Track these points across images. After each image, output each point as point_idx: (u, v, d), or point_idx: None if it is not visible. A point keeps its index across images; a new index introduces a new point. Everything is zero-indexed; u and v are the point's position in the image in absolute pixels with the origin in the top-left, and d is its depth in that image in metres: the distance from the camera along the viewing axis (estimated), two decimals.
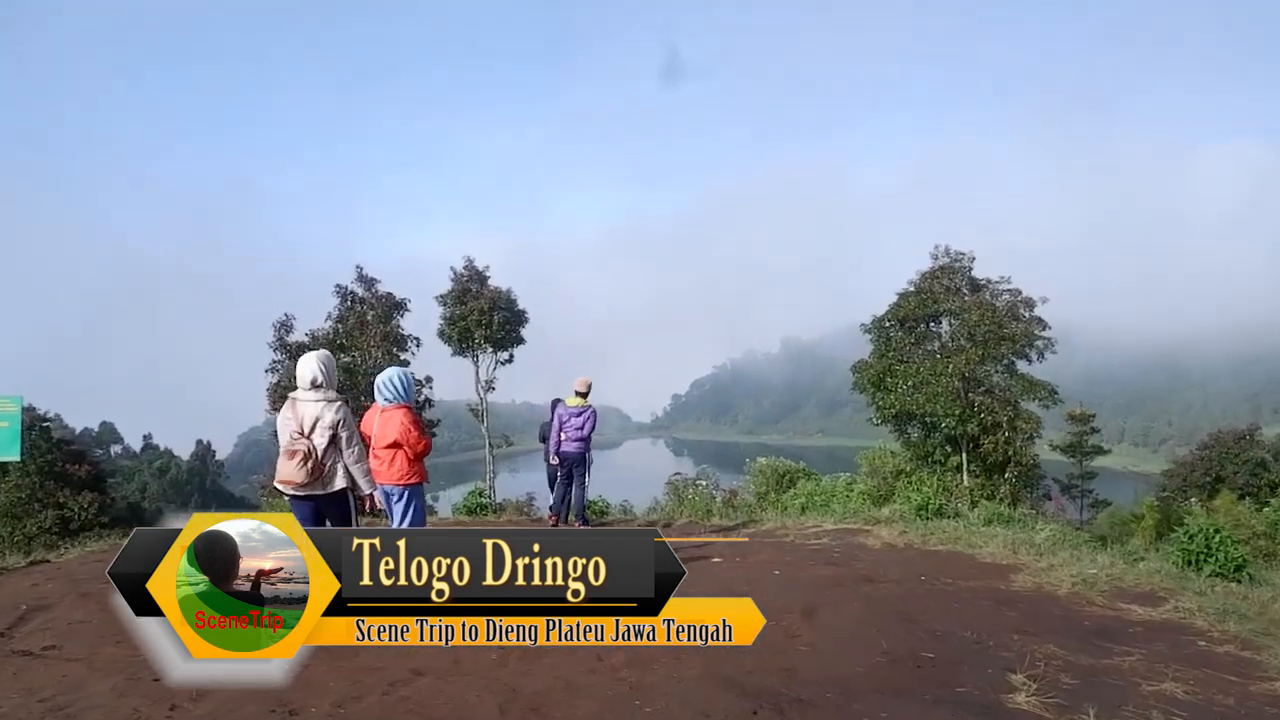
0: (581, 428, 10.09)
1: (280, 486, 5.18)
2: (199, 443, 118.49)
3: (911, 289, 19.38)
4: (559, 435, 10.19)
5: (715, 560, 7.87)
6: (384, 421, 5.96)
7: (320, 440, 5.09)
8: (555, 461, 10.30)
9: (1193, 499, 24.95)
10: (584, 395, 10.26)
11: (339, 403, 5.25)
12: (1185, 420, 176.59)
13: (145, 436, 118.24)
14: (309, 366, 5.24)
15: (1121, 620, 5.74)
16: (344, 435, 5.20)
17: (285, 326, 19.84)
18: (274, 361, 19.63)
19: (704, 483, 18.41)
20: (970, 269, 19.17)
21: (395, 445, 5.91)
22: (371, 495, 5.50)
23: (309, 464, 5.04)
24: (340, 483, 5.21)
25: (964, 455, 18.13)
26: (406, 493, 6.03)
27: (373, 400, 6.06)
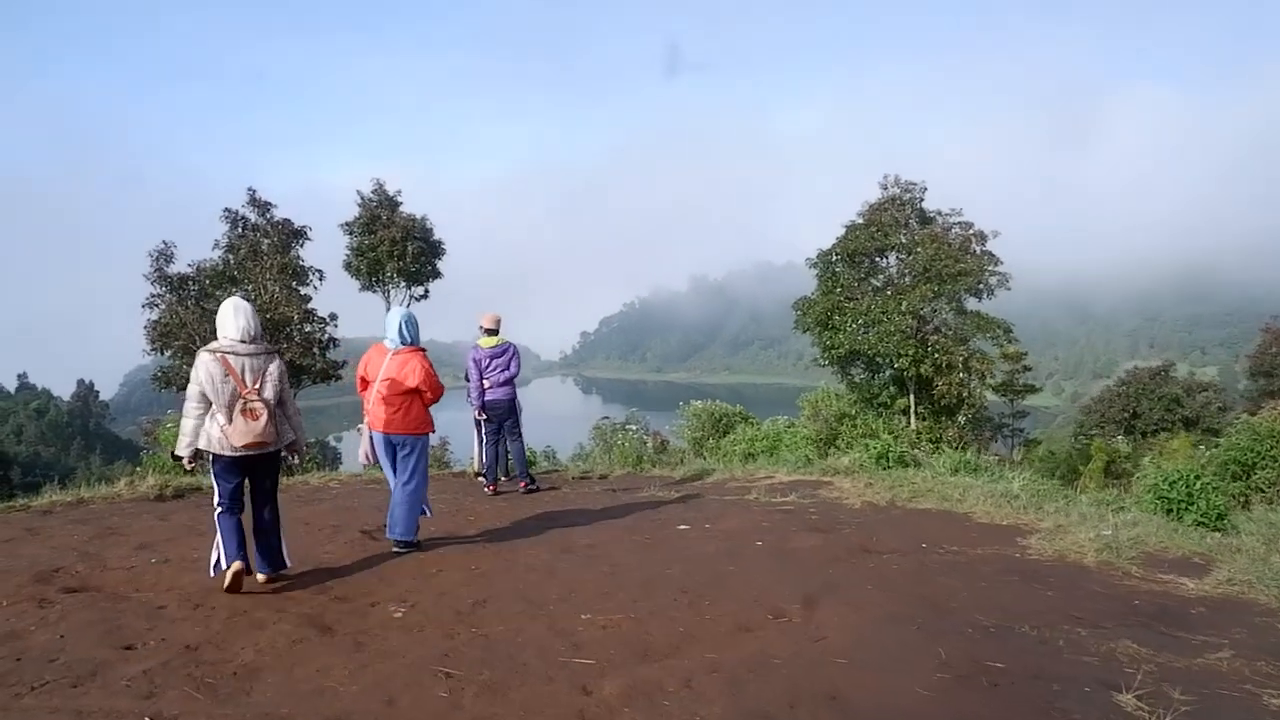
0: (507, 367, 8.76)
1: (234, 452, 4.77)
2: (80, 382, 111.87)
3: (860, 221, 18.37)
4: (480, 383, 8.81)
5: (682, 528, 6.79)
6: (398, 365, 5.72)
7: (271, 394, 4.84)
8: (481, 416, 8.92)
9: (1119, 436, 25.48)
10: (495, 332, 8.87)
11: (277, 354, 5.04)
12: (1084, 357, 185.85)
13: (20, 375, 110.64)
14: (243, 317, 4.87)
15: (1175, 598, 4.93)
16: (285, 388, 5.02)
17: (165, 256, 17.53)
18: (152, 295, 17.39)
19: (634, 427, 17.43)
20: (922, 200, 18.27)
21: (413, 391, 5.71)
22: (303, 446, 5.26)
23: (273, 421, 4.81)
24: (289, 436, 5.04)
25: (912, 397, 17.53)
26: (420, 443, 5.89)
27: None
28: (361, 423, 6.20)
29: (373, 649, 3.98)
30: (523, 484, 8.99)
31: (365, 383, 5.92)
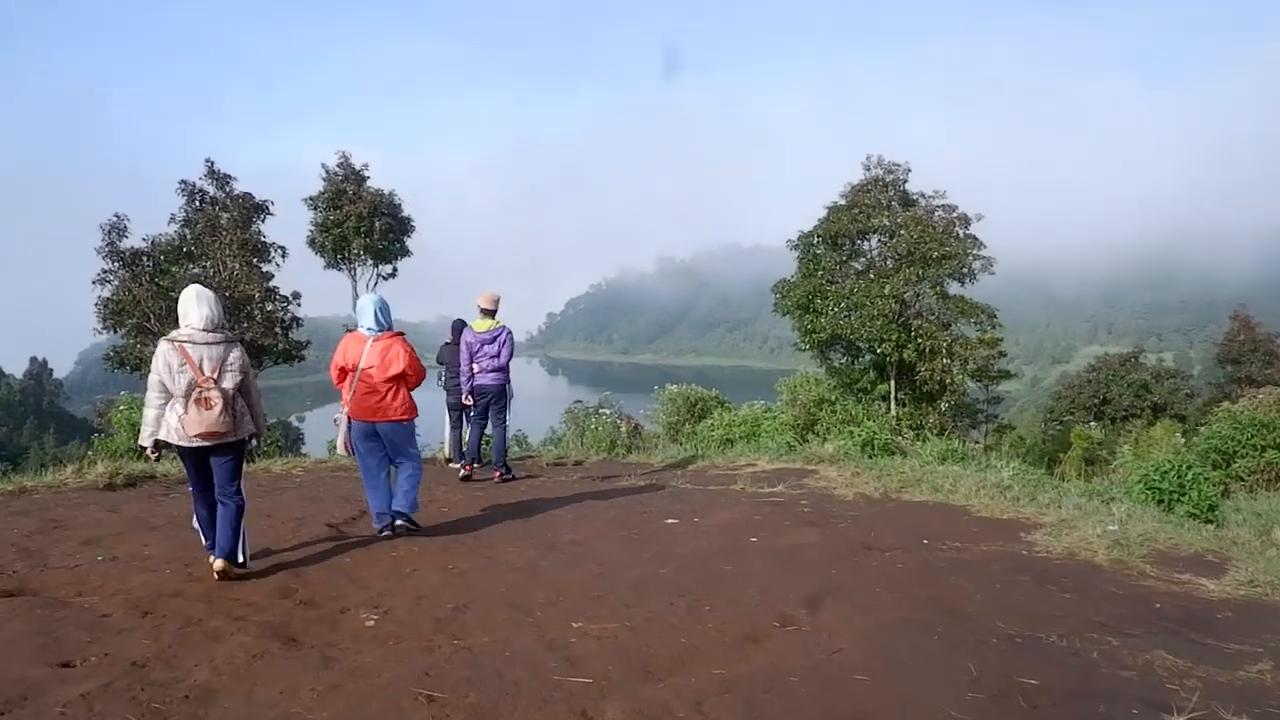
0: (498, 354, 8.35)
1: (189, 442, 4.70)
2: (33, 360, 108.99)
3: (843, 203, 18.02)
4: (470, 367, 8.38)
5: (670, 521, 6.45)
6: (380, 351, 5.64)
7: (231, 384, 4.77)
8: (469, 401, 8.49)
9: (1091, 423, 25.59)
10: (492, 313, 8.46)
11: (238, 342, 4.98)
12: (1044, 341, 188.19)
13: None
14: (206, 305, 4.82)
15: (1197, 601, 4.70)
16: (248, 376, 4.93)
17: (117, 230, 16.65)
18: (104, 271, 16.55)
19: (607, 411, 17.04)
20: (905, 182, 17.97)
21: (399, 377, 5.66)
22: (262, 437, 5.31)
23: (229, 411, 4.70)
24: (250, 426, 4.94)
25: (893, 383, 17.31)
26: (409, 430, 5.87)
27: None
28: (338, 412, 5.99)
29: (344, 665, 3.59)
30: (497, 473, 8.60)
31: (344, 372, 5.77)
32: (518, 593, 4.63)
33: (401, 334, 5.84)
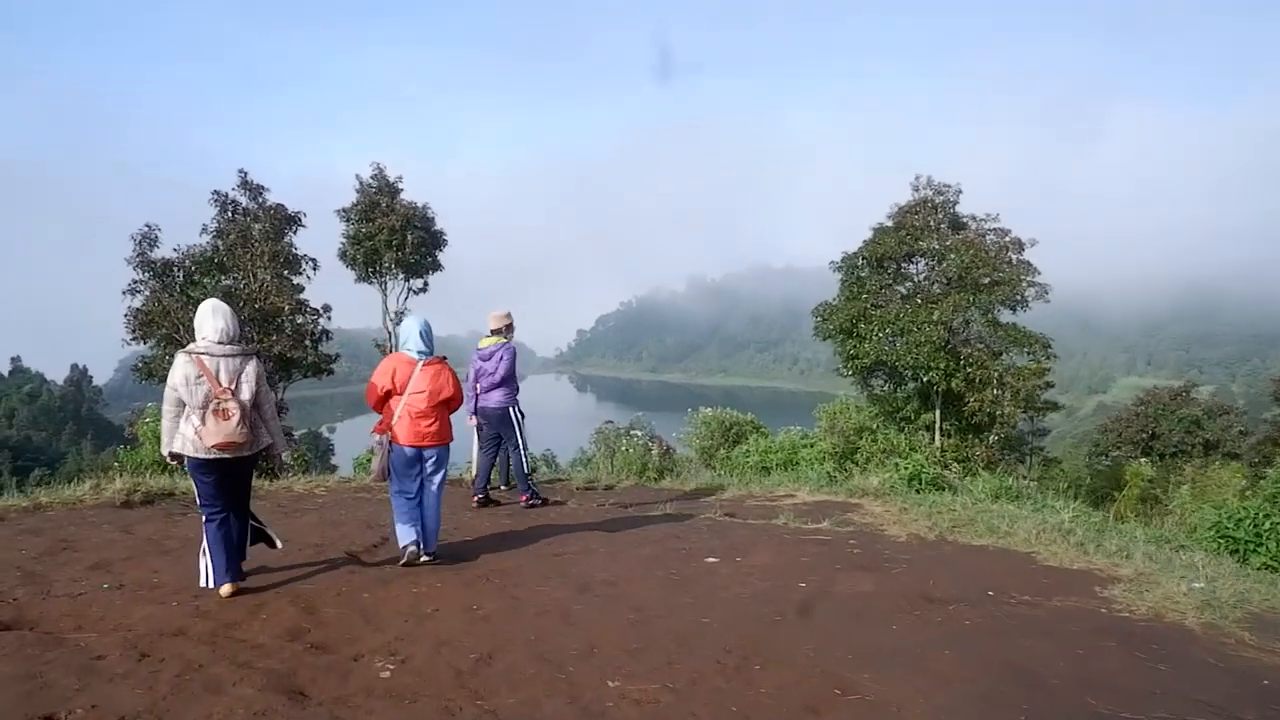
0: (494, 372, 7.97)
1: (207, 454, 4.72)
2: (74, 367, 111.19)
3: (890, 224, 17.49)
4: (474, 389, 8.04)
5: (711, 560, 6.02)
6: (431, 376, 5.66)
7: (247, 396, 4.81)
8: (473, 422, 8.19)
9: (1141, 459, 24.71)
10: (498, 332, 8.10)
11: (255, 355, 5.02)
12: (1080, 370, 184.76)
13: (13, 358, 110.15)
14: (221, 318, 4.88)
15: None
16: (263, 390, 4.93)
17: (148, 240, 16.62)
18: (134, 282, 16.48)
19: (638, 433, 16.63)
20: (955, 204, 17.41)
21: (447, 402, 5.72)
22: (280, 451, 5.23)
23: (247, 423, 4.74)
24: (266, 439, 4.98)
25: (938, 413, 16.69)
26: (447, 453, 5.87)
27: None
28: (379, 437, 5.81)
29: None
30: (524, 497, 8.23)
31: (388, 394, 5.69)
32: (548, 642, 4.24)
33: (445, 358, 5.88)
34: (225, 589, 4.81)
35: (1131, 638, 4.59)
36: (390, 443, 5.69)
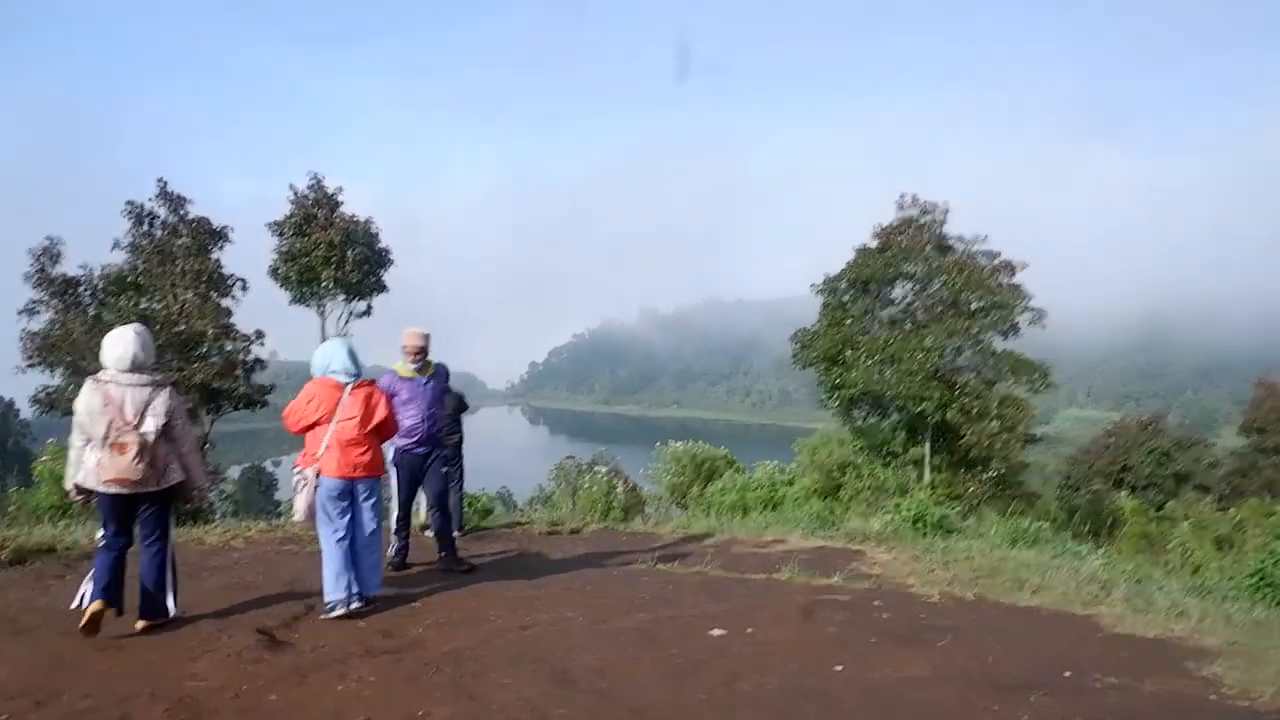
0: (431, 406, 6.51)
1: (104, 488, 4.54)
2: None
3: (875, 245, 16.68)
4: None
5: (716, 633, 4.93)
6: (361, 401, 5.25)
7: (152, 430, 4.59)
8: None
9: (1121, 493, 24.24)
10: (420, 353, 6.52)
11: (169, 386, 4.82)
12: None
13: None
14: (126, 344, 4.68)
15: None
16: (178, 423, 4.77)
17: (50, 255, 14.98)
18: (32, 302, 14.85)
19: (601, 469, 15.53)
20: (943, 224, 16.67)
21: (379, 428, 5.35)
22: (201, 489, 5.15)
23: (145, 458, 4.52)
24: (177, 476, 4.76)
25: (928, 446, 15.80)
26: (378, 486, 5.48)
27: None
28: (300, 472, 5.25)
29: None
30: (442, 555, 6.67)
31: (312, 424, 5.22)
32: None
33: (375, 381, 5.53)
34: (95, 605, 4.53)
35: None
36: (318, 476, 5.19)
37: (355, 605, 5.11)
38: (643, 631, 4.95)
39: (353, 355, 5.37)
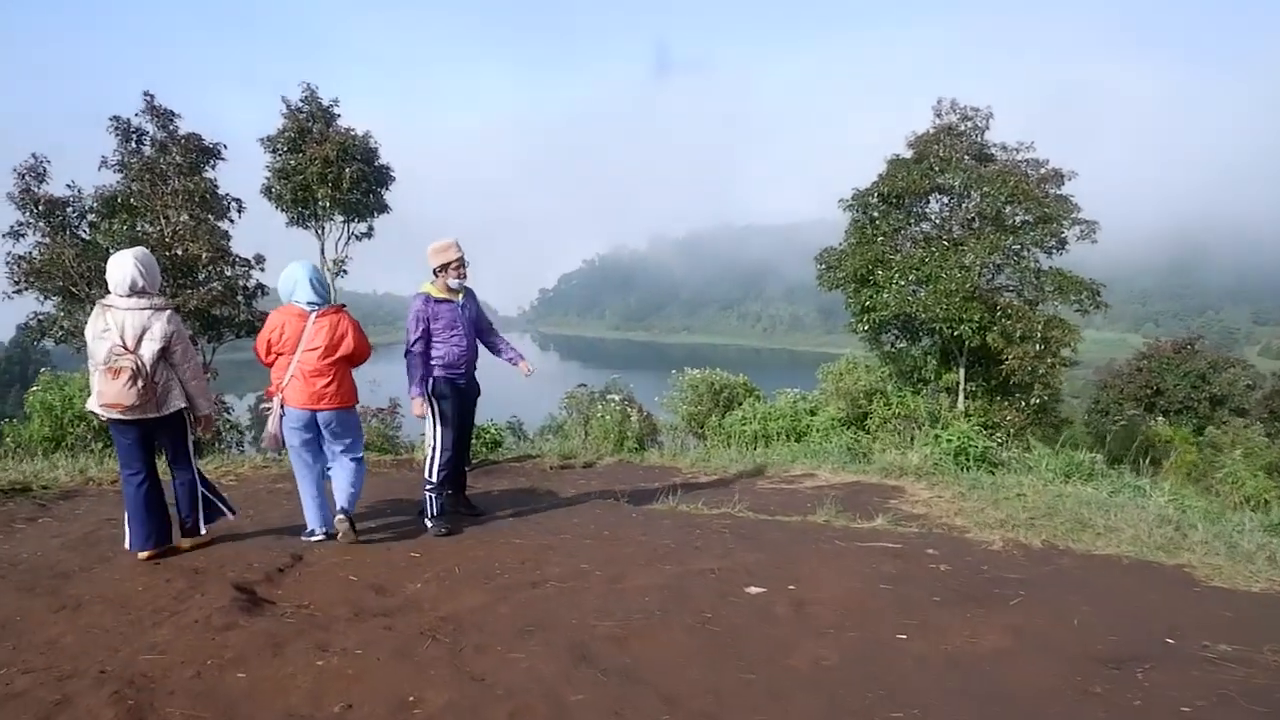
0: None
1: (102, 411, 4.57)
2: (19, 328, 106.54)
3: (909, 155, 15.55)
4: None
5: (753, 591, 4.32)
6: (325, 330, 4.99)
7: (149, 354, 4.54)
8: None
9: (1158, 418, 23.48)
10: (464, 267, 5.79)
11: (169, 310, 4.72)
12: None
13: None
14: (125, 268, 4.59)
15: None
16: (179, 348, 4.69)
17: (35, 174, 14.19)
18: (17, 224, 14.13)
19: (615, 398, 14.90)
20: (986, 130, 15.48)
21: (345, 359, 5.07)
22: (209, 416, 4.93)
23: (139, 383, 4.47)
24: (178, 402, 4.69)
25: (962, 372, 14.99)
26: (355, 417, 5.29)
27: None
28: (267, 401, 5.24)
29: None
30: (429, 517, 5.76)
31: (276, 353, 5.07)
32: None
33: (344, 306, 5.19)
34: (142, 555, 4.66)
35: None
36: (282, 406, 5.09)
37: (331, 530, 5.12)
38: (669, 589, 4.34)
39: (315, 281, 5.08)
